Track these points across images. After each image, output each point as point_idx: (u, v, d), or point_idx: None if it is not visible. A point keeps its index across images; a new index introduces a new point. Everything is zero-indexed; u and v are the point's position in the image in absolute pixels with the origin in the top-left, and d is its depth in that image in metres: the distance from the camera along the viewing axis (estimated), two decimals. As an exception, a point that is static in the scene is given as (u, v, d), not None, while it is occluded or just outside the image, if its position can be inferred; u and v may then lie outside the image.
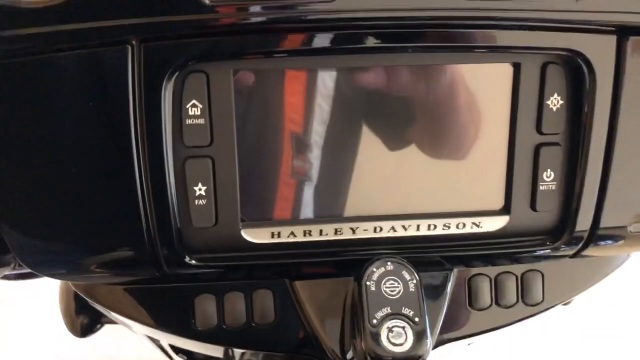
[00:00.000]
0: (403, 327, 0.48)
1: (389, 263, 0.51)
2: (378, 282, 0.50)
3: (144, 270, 0.54)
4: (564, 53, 0.51)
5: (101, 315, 0.93)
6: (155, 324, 0.57)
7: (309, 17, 0.47)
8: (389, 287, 0.50)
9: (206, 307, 0.56)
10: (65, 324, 0.93)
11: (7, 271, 0.60)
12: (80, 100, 0.46)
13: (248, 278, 0.57)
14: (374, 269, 0.51)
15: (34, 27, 0.44)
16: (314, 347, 0.56)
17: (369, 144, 0.53)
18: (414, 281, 0.51)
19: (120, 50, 0.45)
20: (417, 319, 0.49)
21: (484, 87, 0.53)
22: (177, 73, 0.47)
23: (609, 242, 0.57)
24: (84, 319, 0.92)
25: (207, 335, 0.56)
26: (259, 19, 0.47)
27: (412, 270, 0.51)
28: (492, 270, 0.59)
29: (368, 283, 0.50)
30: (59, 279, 0.62)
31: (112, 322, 0.94)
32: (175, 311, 0.57)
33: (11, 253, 0.52)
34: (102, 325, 0.94)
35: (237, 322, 0.56)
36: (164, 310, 0.57)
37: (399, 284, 0.50)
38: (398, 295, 0.50)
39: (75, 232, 0.50)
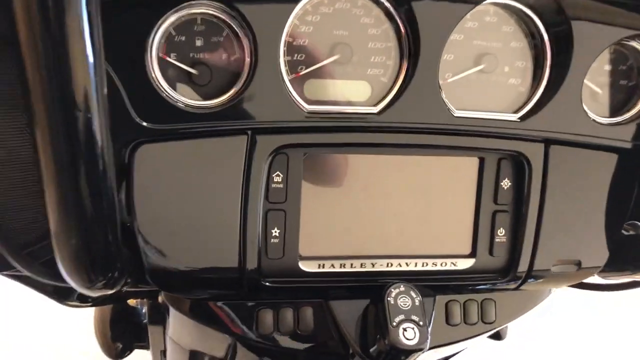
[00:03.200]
0: (412, 328, 0.73)
1: (401, 286, 0.76)
2: (395, 298, 0.75)
3: (229, 290, 0.76)
4: (512, 153, 0.79)
5: (133, 341, 1.12)
6: (226, 330, 0.79)
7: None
8: (403, 302, 0.74)
9: (265, 318, 0.77)
10: (102, 348, 1.10)
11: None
12: (210, 170, 0.70)
13: (296, 298, 0.79)
14: (392, 290, 0.75)
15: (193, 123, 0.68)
16: (342, 347, 0.79)
17: (388, 209, 0.78)
18: (418, 298, 0.75)
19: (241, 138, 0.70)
20: (421, 323, 0.73)
21: (462, 172, 0.80)
22: (271, 155, 0.72)
23: (539, 279, 0.85)
24: (119, 345, 1.09)
25: (264, 339, 0.78)
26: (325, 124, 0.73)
27: (417, 291, 0.76)
28: (462, 298, 0.84)
29: (389, 299, 0.74)
30: (173, 292, 0.81)
31: (142, 347, 1.12)
32: (242, 320, 0.78)
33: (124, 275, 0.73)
34: (132, 350, 1.12)
35: (287, 329, 0.78)
36: (235, 320, 0.78)
37: (408, 299, 0.75)
38: (408, 307, 0.74)
39: (196, 261, 0.72)
